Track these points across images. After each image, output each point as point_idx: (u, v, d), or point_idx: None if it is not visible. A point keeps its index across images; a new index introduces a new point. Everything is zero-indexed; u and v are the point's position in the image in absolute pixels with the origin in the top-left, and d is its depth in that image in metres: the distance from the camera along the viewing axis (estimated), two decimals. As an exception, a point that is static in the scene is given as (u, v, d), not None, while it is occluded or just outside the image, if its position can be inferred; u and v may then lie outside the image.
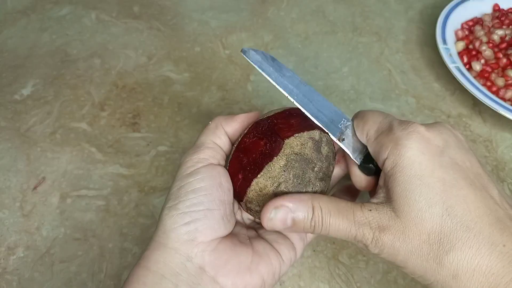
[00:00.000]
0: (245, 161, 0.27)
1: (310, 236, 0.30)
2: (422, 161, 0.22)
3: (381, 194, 0.24)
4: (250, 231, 0.28)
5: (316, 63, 0.55)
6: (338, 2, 0.64)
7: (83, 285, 0.35)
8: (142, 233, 0.38)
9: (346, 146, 0.27)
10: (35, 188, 0.41)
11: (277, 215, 0.24)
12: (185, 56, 0.55)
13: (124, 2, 0.62)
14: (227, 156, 0.29)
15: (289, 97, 0.27)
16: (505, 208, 0.22)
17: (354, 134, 0.27)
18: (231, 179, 0.27)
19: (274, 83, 0.27)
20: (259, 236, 0.27)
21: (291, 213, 0.24)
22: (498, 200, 0.23)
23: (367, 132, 0.26)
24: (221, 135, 0.28)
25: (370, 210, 0.23)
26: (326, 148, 0.28)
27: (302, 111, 0.28)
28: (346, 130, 0.27)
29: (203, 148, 0.27)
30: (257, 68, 0.28)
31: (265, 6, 0.63)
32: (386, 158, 0.24)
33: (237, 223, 0.28)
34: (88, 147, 0.44)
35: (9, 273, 0.36)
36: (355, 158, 0.27)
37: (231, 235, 0.26)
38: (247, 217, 0.30)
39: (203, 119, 0.48)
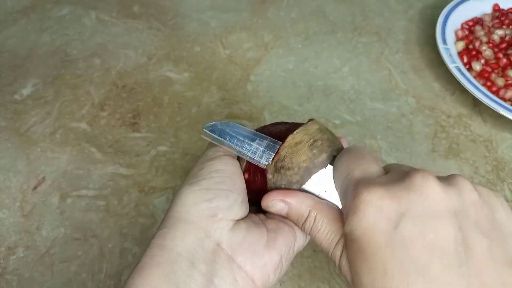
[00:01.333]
0: (273, 131, 0.27)
1: None
2: (367, 240, 0.20)
3: None
4: (259, 215, 0.28)
5: (316, 63, 0.55)
6: (338, 2, 0.64)
7: (83, 285, 0.35)
8: (142, 233, 0.38)
9: (333, 198, 0.25)
10: (35, 188, 0.41)
11: (276, 205, 0.25)
12: (185, 56, 0.55)
13: (124, 2, 0.62)
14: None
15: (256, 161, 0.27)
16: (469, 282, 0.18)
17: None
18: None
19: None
20: (270, 217, 0.27)
21: (288, 208, 0.25)
22: (465, 281, 0.18)
23: (338, 190, 0.25)
24: None
25: (344, 249, 0.23)
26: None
27: None
28: (328, 180, 0.26)
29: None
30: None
31: (265, 6, 0.63)
32: (344, 225, 0.22)
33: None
34: (88, 147, 0.44)
35: (9, 273, 0.36)
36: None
37: (245, 218, 0.26)
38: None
39: (203, 119, 0.48)
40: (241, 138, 0.27)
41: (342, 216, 0.24)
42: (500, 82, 0.50)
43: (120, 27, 0.58)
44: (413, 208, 0.20)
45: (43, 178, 0.42)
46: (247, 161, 0.27)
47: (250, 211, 0.28)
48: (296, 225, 0.26)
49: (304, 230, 0.25)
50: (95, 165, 0.43)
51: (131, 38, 0.57)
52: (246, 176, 0.27)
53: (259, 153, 0.26)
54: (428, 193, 0.20)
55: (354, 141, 0.47)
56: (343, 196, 0.24)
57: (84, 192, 0.41)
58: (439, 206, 0.20)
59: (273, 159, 0.26)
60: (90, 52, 0.54)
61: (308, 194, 0.26)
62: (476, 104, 0.51)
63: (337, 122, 0.48)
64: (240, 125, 0.28)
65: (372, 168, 0.23)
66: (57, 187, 0.41)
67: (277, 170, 0.26)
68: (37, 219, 0.39)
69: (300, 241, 0.27)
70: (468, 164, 0.45)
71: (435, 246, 0.19)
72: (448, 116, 0.50)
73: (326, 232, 0.24)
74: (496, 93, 0.49)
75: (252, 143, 0.27)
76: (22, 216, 0.39)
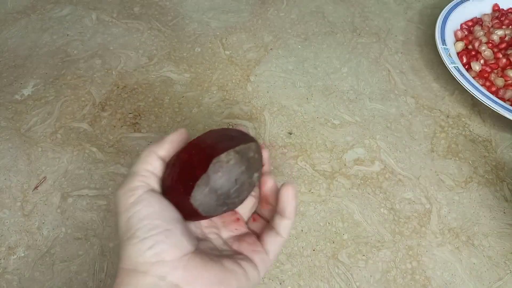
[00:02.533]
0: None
1: (272, 258, 0.29)
2: None
3: None
4: (214, 251, 0.28)
5: (316, 63, 0.55)
6: (337, 3, 0.65)
7: (83, 284, 0.35)
8: (143, 233, 0.39)
9: None
10: (35, 188, 0.41)
11: None
12: (186, 56, 0.55)
13: (124, 2, 0.62)
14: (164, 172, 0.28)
15: None
16: None
17: None
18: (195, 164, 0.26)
19: None
20: (225, 256, 0.27)
21: None
22: None
23: None
24: (153, 161, 0.28)
25: None
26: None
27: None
28: None
29: (136, 176, 0.27)
30: None
31: (265, 7, 0.63)
32: None
33: (203, 243, 0.28)
34: (89, 147, 0.45)
35: (9, 272, 0.36)
36: None
37: (200, 252, 0.26)
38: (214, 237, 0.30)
39: (203, 119, 0.48)
40: None
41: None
42: (500, 82, 0.50)
43: (120, 28, 0.58)
44: None
45: (44, 178, 0.42)
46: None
47: (208, 247, 0.27)
48: None
49: None
50: (96, 165, 0.43)
51: (131, 39, 0.57)
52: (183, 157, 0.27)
53: None
54: None
55: (354, 141, 0.47)
56: None
57: (85, 191, 0.41)
58: None
59: None
60: (91, 53, 0.55)
61: None
62: (475, 104, 0.51)
63: (336, 122, 0.48)
64: None
65: None
66: (58, 187, 0.41)
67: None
68: (38, 218, 0.39)
69: (251, 285, 0.27)
70: (467, 164, 0.45)
71: None
72: (447, 116, 0.50)
73: None
74: (495, 93, 0.49)
75: None
76: (23, 215, 0.39)
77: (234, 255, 0.27)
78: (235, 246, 0.28)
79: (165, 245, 0.24)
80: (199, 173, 0.25)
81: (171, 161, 0.28)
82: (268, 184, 0.30)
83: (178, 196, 0.26)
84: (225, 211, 0.27)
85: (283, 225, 0.28)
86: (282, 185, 0.28)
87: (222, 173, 0.26)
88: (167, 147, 0.28)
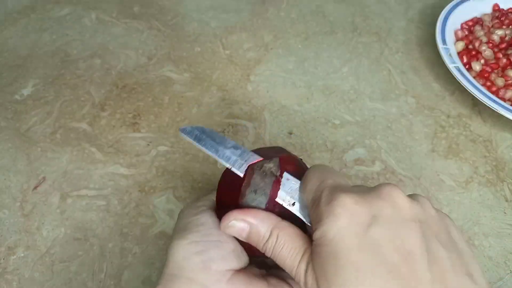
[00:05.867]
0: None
1: None
2: (339, 242, 0.20)
3: None
4: (261, 270, 0.27)
5: (316, 63, 0.55)
6: (338, 2, 0.64)
7: (83, 285, 0.35)
8: (143, 233, 0.38)
9: (299, 211, 0.25)
10: (35, 188, 0.41)
11: (236, 225, 0.24)
12: (185, 56, 0.55)
13: (124, 2, 0.62)
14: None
15: (232, 168, 0.26)
16: None
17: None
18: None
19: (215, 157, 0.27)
20: (271, 274, 0.27)
21: (250, 228, 0.24)
22: (430, 285, 0.19)
23: (307, 200, 0.24)
24: (212, 196, 0.29)
25: (309, 263, 0.22)
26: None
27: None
28: (296, 194, 0.25)
29: (201, 200, 0.28)
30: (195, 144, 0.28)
31: (265, 7, 0.63)
32: (314, 232, 0.22)
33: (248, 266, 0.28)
34: (89, 147, 0.45)
35: (9, 273, 0.36)
36: (309, 222, 0.24)
37: (245, 269, 0.25)
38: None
39: (203, 119, 0.48)
40: (215, 144, 0.27)
41: (304, 232, 0.24)
42: (500, 82, 0.50)
43: (120, 27, 0.58)
44: (383, 213, 0.21)
45: (44, 178, 0.42)
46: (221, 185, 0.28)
47: (253, 266, 0.27)
48: (257, 246, 0.25)
49: (265, 251, 0.24)
50: (95, 165, 0.43)
51: (131, 39, 0.57)
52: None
53: (232, 160, 0.26)
54: (395, 201, 0.21)
55: (354, 141, 0.47)
56: (314, 202, 0.23)
57: (84, 192, 0.41)
58: (406, 214, 0.21)
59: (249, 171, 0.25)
60: (91, 52, 0.54)
61: (270, 213, 0.25)
62: (475, 104, 0.51)
63: (336, 122, 0.48)
64: (217, 133, 0.28)
65: (343, 181, 0.24)
66: (57, 187, 0.41)
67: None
68: (37, 219, 0.39)
69: None
70: (468, 164, 0.45)
71: (404, 250, 0.20)
72: (448, 116, 0.50)
73: (289, 250, 0.23)
74: (495, 93, 0.49)
75: (225, 150, 0.27)
76: (23, 216, 0.39)
77: (283, 274, 0.26)
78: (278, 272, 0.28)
79: (214, 253, 0.24)
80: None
81: None
82: None
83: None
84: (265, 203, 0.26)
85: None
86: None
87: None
88: None
